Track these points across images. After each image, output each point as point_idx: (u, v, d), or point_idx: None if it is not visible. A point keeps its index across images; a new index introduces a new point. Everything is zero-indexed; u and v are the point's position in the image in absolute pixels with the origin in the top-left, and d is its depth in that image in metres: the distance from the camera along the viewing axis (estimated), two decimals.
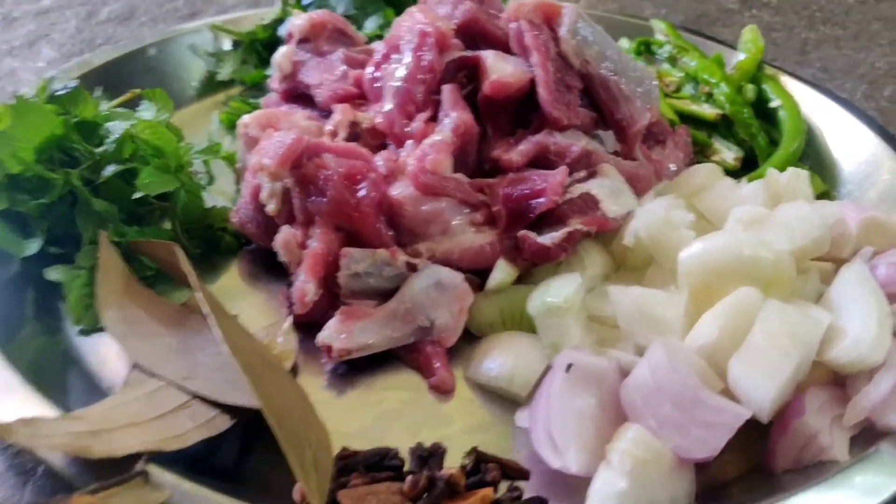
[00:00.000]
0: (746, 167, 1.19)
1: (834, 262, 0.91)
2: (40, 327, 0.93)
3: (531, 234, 0.91)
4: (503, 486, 0.75)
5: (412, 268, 0.91)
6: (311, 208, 0.91)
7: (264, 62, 1.38)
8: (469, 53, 1.01)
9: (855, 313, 0.79)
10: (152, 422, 0.75)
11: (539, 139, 0.97)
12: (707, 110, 1.23)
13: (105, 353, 0.90)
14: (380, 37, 1.27)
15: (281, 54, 1.15)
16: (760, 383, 0.74)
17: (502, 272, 0.91)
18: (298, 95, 1.16)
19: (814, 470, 0.75)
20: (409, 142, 0.98)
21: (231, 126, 1.26)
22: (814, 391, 0.77)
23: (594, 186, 0.93)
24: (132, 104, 1.12)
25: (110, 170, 0.97)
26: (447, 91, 0.98)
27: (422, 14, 1.03)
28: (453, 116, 0.95)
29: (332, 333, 0.87)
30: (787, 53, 1.59)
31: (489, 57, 1.00)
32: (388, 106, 1.00)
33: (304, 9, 1.37)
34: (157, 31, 1.60)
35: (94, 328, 0.92)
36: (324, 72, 1.11)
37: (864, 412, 0.75)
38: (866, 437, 0.76)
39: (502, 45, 1.05)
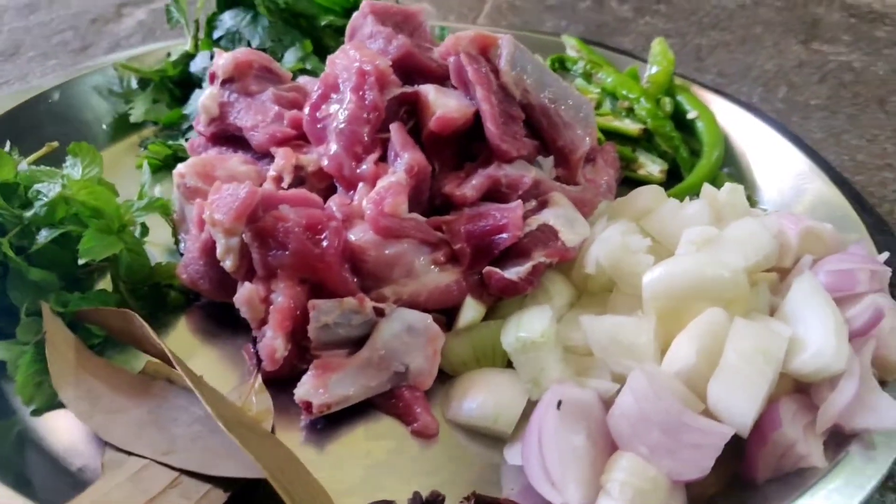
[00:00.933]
0: (670, 178, 1.24)
1: (777, 272, 0.96)
2: None
3: (497, 271, 0.91)
4: None
5: (380, 313, 0.90)
6: (273, 262, 0.89)
7: (177, 100, 1.34)
8: (409, 89, 1.01)
9: (812, 324, 0.84)
10: None
11: (490, 172, 0.98)
12: (630, 126, 1.27)
13: (65, 432, 0.85)
14: (303, 70, 1.25)
15: (207, 97, 1.11)
16: (741, 402, 0.78)
17: (472, 310, 0.92)
18: (227, 137, 1.13)
19: (794, 476, 0.79)
20: (361, 184, 0.96)
21: (154, 170, 1.22)
22: (785, 402, 0.82)
23: (550, 217, 0.95)
24: (50, 157, 1.06)
25: (45, 235, 0.91)
26: (395, 131, 0.97)
27: (357, 52, 1.01)
28: (406, 157, 0.94)
29: (310, 389, 0.85)
30: (686, 60, 1.66)
31: (430, 92, 1.00)
32: (333, 148, 0.98)
33: (216, 43, 1.33)
34: (48, 68, 1.52)
35: (47, 407, 0.87)
36: (256, 113, 1.08)
37: (834, 418, 0.80)
38: (836, 440, 0.81)
39: (437, 79, 1.05)
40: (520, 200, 0.95)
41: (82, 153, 1.00)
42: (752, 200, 1.19)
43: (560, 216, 0.95)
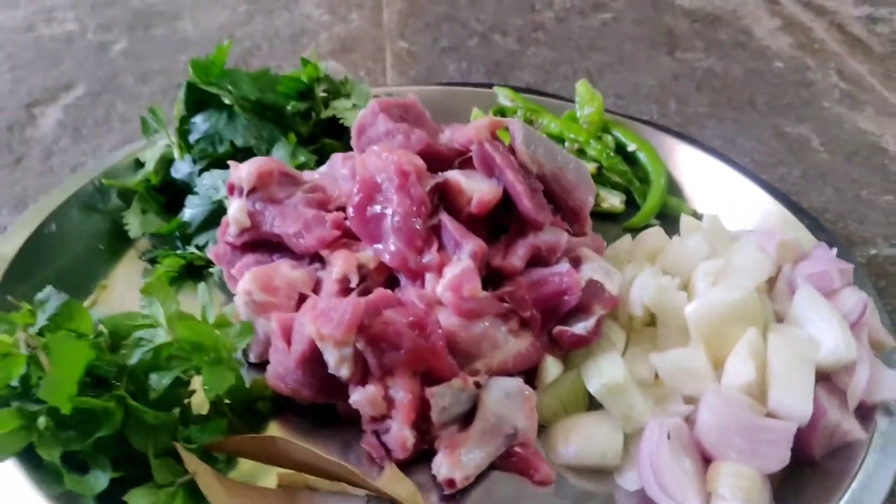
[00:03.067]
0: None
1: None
2: None
3: (567, 329, 1.07)
4: None
5: (478, 386, 1.03)
6: (388, 362, 0.99)
7: (164, 207, 1.37)
8: (440, 179, 1.13)
9: (821, 325, 1.06)
10: None
11: (531, 242, 1.12)
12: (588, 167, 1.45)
13: None
14: (300, 166, 1.32)
15: (237, 210, 1.17)
16: (798, 402, 0.98)
17: (554, 367, 1.06)
18: (256, 243, 1.19)
19: (842, 448, 1.01)
20: (429, 275, 1.08)
21: (171, 282, 1.26)
22: (820, 391, 1.03)
23: (592, 272, 1.11)
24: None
25: (161, 380, 0.96)
26: (449, 221, 1.09)
27: (388, 153, 1.12)
28: (469, 245, 1.07)
29: (449, 467, 0.97)
30: None
31: (461, 179, 1.12)
32: (394, 244, 1.08)
33: (193, 147, 1.36)
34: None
35: None
36: (294, 219, 1.16)
37: (859, 398, 1.03)
38: (862, 412, 1.04)
39: (450, 162, 1.18)
40: (567, 263, 1.10)
41: (156, 291, 1.04)
42: (697, 215, 1.41)
43: (597, 269, 1.12)
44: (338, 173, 1.24)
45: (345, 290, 1.10)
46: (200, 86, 1.34)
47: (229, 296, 1.23)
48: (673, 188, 1.47)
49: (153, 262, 1.31)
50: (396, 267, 1.09)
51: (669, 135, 1.54)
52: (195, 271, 1.29)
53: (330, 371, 1.01)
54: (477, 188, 1.12)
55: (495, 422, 1.02)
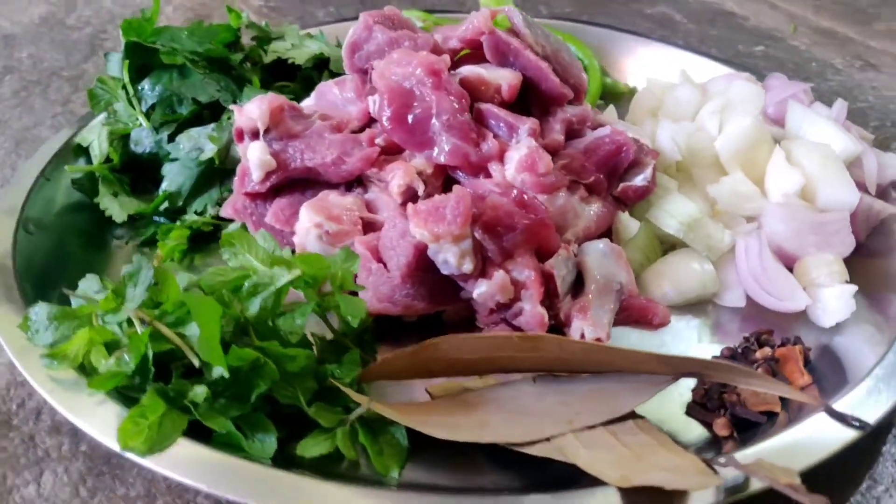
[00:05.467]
0: None
1: None
2: None
3: (632, 184, 1.12)
4: None
5: (575, 254, 1.05)
6: (508, 245, 0.98)
7: (132, 185, 1.23)
8: (465, 74, 1.12)
9: (822, 131, 1.19)
10: None
11: (562, 117, 1.15)
12: None
13: None
14: None
15: (259, 152, 1.08)
16: (843, 193, 1.10)
17: (631, 222, 1.11)
18: (282, 186, 1.12)
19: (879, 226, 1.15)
20: (492, 163, 1.07)
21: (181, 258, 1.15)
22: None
23: (626, 131, 1.16)
24: None
25: (294, 322, 0.88)
26: (491, 109, 1.09)
27: (410, 57, 1.09)
28: (524, 126, 1.08)
29: (591, 328, 0.99)
30: None
31: (482, 71, 1.13)
32: (448, 143, 1.06)
33: (148, 113, 1.23)
34: None
35: None
36: (327, 148, 1.09)
37: (874, 179, 1.17)
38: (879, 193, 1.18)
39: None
40: (609, 127, 1.14)
41: (237, 239, 0.94)
42: (632, 90, 1.51)
43: (625, 129, 1.18)
44: (336, 99, 1.19)
45: (410, 201, 1.07)
46: (146, 45, 1.21)
47: None
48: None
49: (147, 243, 1.17)
50: (457, 164, 1.08)
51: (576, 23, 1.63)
52: (201, 239, 1.18)
53: (448, 271, 0.98)
54: (500, 76, 1.13)
55: (604, 280, 1.04)
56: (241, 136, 1.12)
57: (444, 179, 1.10)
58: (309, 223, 1.03)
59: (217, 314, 0.83)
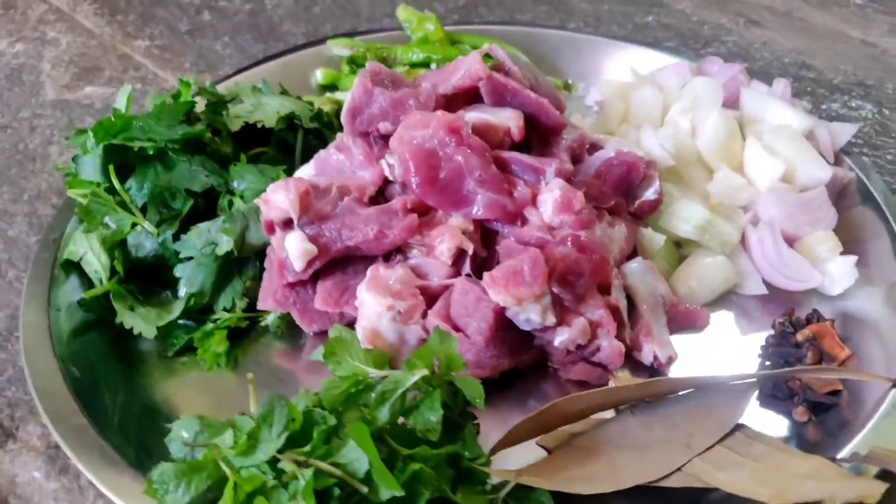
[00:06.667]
0: None
1: None
2: None
3: (646, 200, 1.19)
4: None
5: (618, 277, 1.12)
6: (581, 291, 1.04)
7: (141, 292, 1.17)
8: (474, 121, 1.14)
9: (777, 112, 1.32)
10: None
11: (565, 146, 1.20)
12: None
13: None
14: None
15: (299, 242, 1.06)
16: (818, 169, 1.23)
17: (656, 236, 1.19)
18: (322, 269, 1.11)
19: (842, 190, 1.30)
20: (528, 209, 1.11)
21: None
22: None
23: (618, 146, 1.23)
24: None
25: (428, 419, 0.90)
26: (513, 155, 1.13)
27: (425, 118, 1.10)
28: (551, 167, 1.12)
29: (661, 350, 1.07)
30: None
31: (487, 116, 1.16)
32: (483, 197, 1.09)
33: (143, 211, 1.16)
34: None
35: None
36: (364, 224, 1.09)
37: (832, 149, 1.31)
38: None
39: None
40: (611, 148, 1.21)
41: (339, 348, 0.94)
42: (570, 86, 1.58)
43: (623, 144, 1.25)
44: (341, 166, 1.18)
45: (457, 263, 1.09)
46: (128, 144, 1.13)
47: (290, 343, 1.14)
48: None
49: (182, 352, 1.12)
50: (496, 217, 1.11)
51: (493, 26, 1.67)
52: (235, 335, 1.14)
53: (530, 327, 1.03)
54: (505, 118, 1.16)
55: (651, 298, 1.13)
56: (271, 228, 1.09)
57: (481, 235, 1.13)
58: (380, 307, 1.03)
59: (367, 435, 0.83)
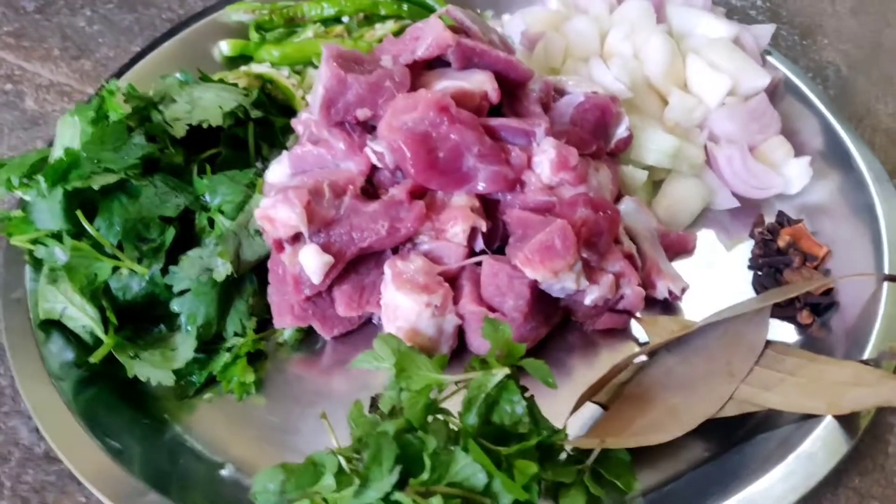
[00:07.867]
0: None
1: None
2: None
3: (621, 138, 1.21)
4: None
5: None
6: (603, 248, 1.07)
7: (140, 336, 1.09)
8: (451, 90, 1.11)
9: (706, 24, 1.37)
10: None
11: (535, 98, 1.19)
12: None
13: None
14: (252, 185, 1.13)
15: (314, 254, 1.02)
16: (758, 77, 1.31)
17: (637, 173, 1.23)
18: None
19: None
20: (527, 172, 1.11)
21: None
22: None
23: (585, 87, 1.24)
24: None
25: (514, 414, 0.92)
26: (500, 121, 1.11)
27: (410, 100, 1.06)
28: (540, 127, 1.11)
29: (674, 283, 1.13)
30: None
31: (462, 83, 1.13)
32: (487, 170, 1.08)
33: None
34: None
35: None
36: (372, 222, 1.05)
37: (757, 51, 1.39)
38: None
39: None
40: (580, 94, 1.21)
41: (405, 363, 0.92)
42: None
43: (580, 83, 1.25)
44: (321, 160, 1.12)
45: (471, 244, 1.09)
46: (90, 185, 1.02)
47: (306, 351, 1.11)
48: None
49: (202, 389, 1.07)
50: (501, 188, 1.10)
51: None
52: (253, 356, 1.10)
53: (565, 294, 1.05)
54: (479, 81, 1.14)
55: (648, 234, 1.17)
56: (280, 245, 1.03)
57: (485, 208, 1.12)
58: (418, 306, 1.01)
59: (478, 448, 0.84)
